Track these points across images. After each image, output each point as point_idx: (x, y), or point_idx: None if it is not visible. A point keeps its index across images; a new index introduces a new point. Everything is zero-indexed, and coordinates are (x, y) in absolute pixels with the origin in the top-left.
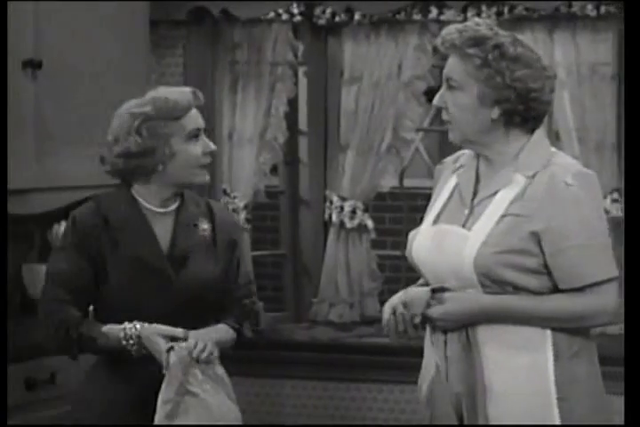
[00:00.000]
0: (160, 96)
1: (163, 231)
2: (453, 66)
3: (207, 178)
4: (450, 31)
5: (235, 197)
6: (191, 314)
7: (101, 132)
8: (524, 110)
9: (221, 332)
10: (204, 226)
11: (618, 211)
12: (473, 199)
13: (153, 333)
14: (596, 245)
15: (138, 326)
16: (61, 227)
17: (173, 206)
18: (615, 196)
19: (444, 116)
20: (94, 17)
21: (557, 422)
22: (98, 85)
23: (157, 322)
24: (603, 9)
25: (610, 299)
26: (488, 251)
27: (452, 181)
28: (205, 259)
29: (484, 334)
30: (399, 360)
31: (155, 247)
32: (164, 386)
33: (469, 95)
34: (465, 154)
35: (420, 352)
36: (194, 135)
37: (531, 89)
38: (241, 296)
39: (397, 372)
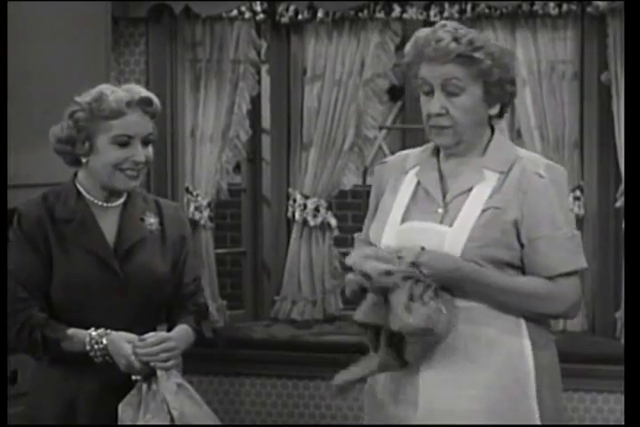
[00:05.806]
0: (103, 91)
1: (108, 225)
2: (455, 72)
3: (131, 185)
4: (443, 38)
5: (197, 195)
6: (141, 309)
7: None
8: (509, 100)
9: (188, 335)
10: (151, 220)
11: (580, 208)
12: (444, 198)
13: (119, 337)
14: (562, 237)
15: (101, 331)
16: None
17: (119, 201)
18: (577, 193)
19: (444, 122)
20: (53, 14)
21: (536, 413)
22: (55, 84)
23: (107, 318)
24: (564, 7)
25: (572, 289)
26: (473, 245)
27: (411, 181)
28: (152, 253)
29: (463, 332)
30: (360, 358)
31: (100, 240)
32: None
33: (472, 97)
34: (412, 154)
35: None
36: (120, 141)
37: (512, 75)
38: (192, 293)
39: None
